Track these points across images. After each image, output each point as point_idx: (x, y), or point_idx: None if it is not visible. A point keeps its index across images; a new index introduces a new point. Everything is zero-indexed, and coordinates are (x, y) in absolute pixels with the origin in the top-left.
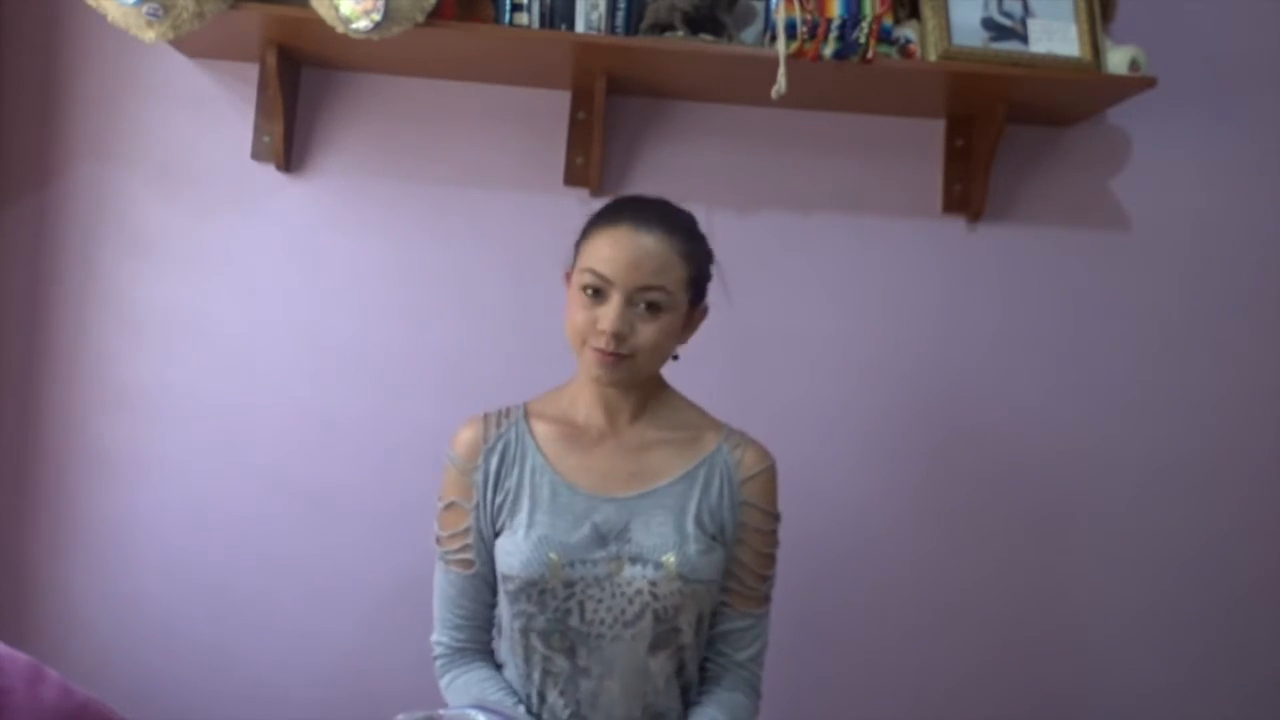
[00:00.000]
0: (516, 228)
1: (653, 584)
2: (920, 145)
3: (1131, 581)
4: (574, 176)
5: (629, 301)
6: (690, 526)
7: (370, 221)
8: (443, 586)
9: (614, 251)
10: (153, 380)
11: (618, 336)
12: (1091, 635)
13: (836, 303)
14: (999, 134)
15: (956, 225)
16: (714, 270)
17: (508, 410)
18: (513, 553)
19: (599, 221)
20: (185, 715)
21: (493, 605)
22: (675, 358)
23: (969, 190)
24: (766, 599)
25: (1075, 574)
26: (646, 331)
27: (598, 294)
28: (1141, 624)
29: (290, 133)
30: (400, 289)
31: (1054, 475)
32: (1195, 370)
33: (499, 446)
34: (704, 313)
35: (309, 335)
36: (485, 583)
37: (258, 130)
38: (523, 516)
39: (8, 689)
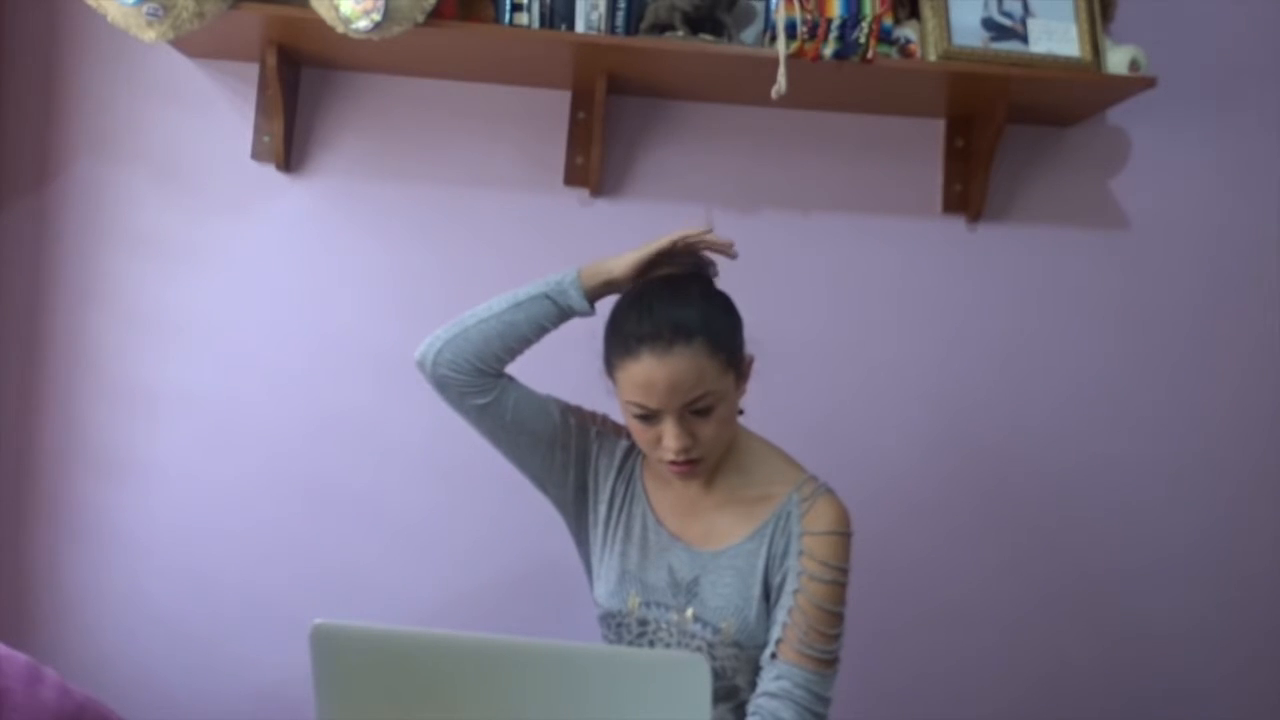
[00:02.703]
0: (517, 228)
1: (710, 645)
2: (920, 145)
3: (1131, 577)
4: (574, 176)
5: (681, 418)
6: (757, 589)
7: (370, 221)
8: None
9: (647, 383)
10: (152, 380)
11: (683, 450)
12: (1094, 632)
13: (836, 303)
14: (999, 134)
15: (956, 225)
16: (740, 320)
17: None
18: (601, 579)
19: (618, 348)
20: (185, 715)
21: (493, 380)
22: (741, 412)
23: (969, 190)
24: (827, 662)
25: (1075, 569)
26: (707, 431)
27: (648, 418)
28: (1138, 621)
29: (290, 133)
30: (400, 289)
31: (1052, 473)
32: (1195, 370)
33: (629, 450)
34: (751, 362)
35: (309, 335)
36: (514, 398)
37: (258, 130)
38: (616, 543)
39: (6, 689)
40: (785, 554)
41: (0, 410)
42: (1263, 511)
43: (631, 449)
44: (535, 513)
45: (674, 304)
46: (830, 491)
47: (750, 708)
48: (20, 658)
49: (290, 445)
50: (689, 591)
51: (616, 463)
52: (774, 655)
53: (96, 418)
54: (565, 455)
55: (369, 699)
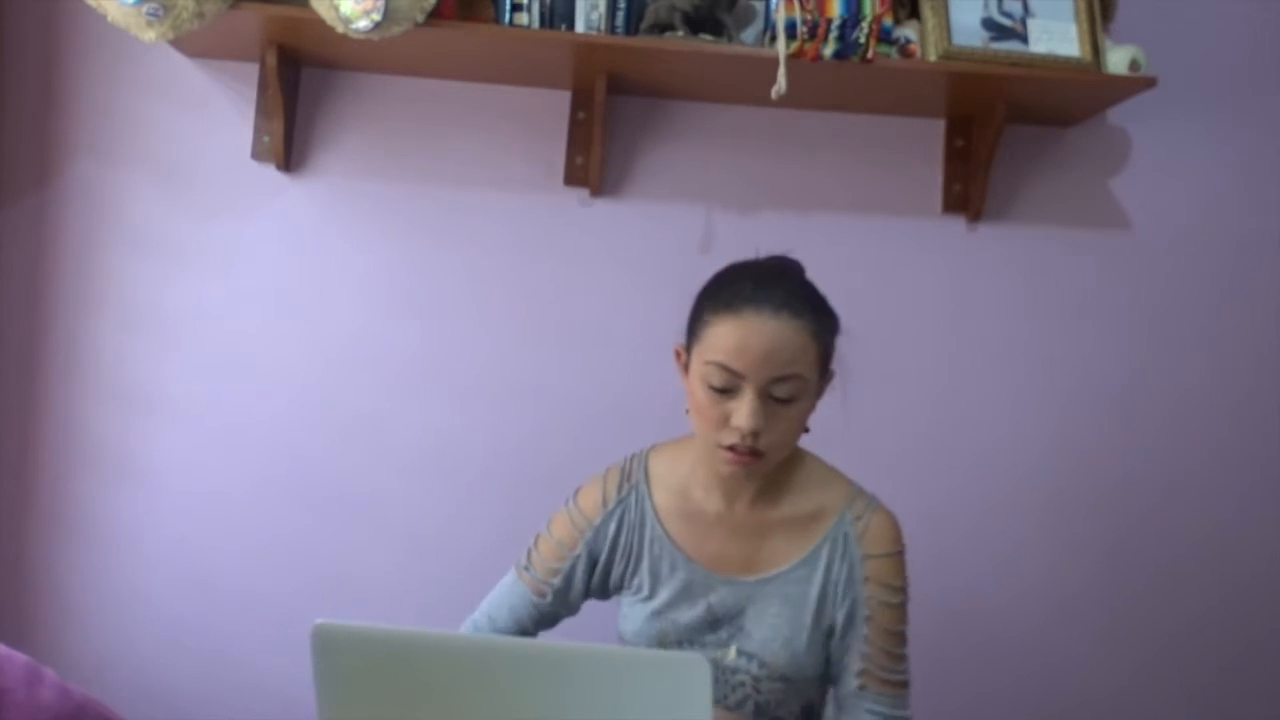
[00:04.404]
0: (517, 228)
1: (756, 680)
2: (920, 145)
3: (1124, 576)
4: (574, 176)
5: (762, 395)
6: (808, 617)
7: (370, 221)
8: (506, 588)
9: (742, 343)
10: (153, 380)
11: (753, 432)
12: (1087, 630)
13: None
14: (999, 134)
15: (956, 225)
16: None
17: (630, 471)
18: (629, 619)
19: (718, 305)
20: (185, 715)
21: (529, 632)
22: (806, 430)
23: (969, 190)
24: (903, 684)
25: (1068, 565)
26: (781, 424)
27: (726, 390)
28: (1133, 621)
29: (290, 133)
30: (400, 289)
31: (1049, 473)
32: (1194, 370)
33: (619, 512)
34: (830, 379)
35: (308, 335)
36: (540, 613)
37: (258, 130)
38: (643, 584)
39: (6, 689)
40: (848, 581)
41: (0, 410)
42: (1265, 510)
43: (614, 510)
44: (537, 515)
45: (785, 281)
46: (880, 506)
47: None
48: (20, 658)
49: (290, 445)
50: (732, 624)
51: (610, 534)
52: (862, 687)
53: (96, 418)
54: (576, 591)
55: (369, 699)
